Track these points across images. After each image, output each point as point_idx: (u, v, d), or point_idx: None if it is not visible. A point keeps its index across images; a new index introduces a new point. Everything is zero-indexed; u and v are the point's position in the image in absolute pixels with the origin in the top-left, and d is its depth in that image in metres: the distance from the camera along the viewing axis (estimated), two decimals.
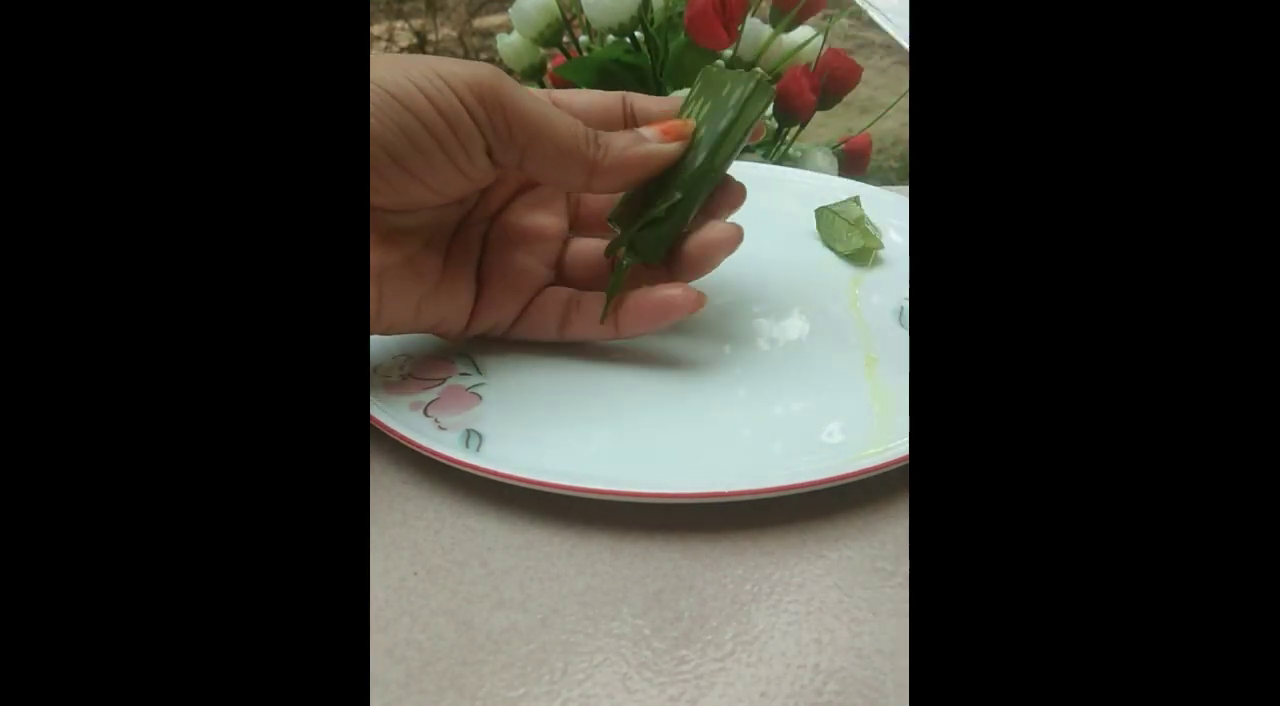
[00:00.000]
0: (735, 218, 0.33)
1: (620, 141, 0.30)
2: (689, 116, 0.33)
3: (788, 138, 0.61)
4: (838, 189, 0.44)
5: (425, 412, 0.30)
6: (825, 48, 0.61)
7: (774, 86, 0.33)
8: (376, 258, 0.29)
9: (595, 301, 0.33)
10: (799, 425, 0.30)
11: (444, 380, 0.32)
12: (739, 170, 0.33)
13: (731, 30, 0.55)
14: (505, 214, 0.34)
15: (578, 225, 0.35)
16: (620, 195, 0.33)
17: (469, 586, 0.25)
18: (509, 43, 0.63)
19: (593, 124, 0.31)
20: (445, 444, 0.28)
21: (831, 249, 0.41)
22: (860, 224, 0.40)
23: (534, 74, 0.64)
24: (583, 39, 0.63)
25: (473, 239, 0.33)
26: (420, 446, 0.28)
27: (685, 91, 0.34)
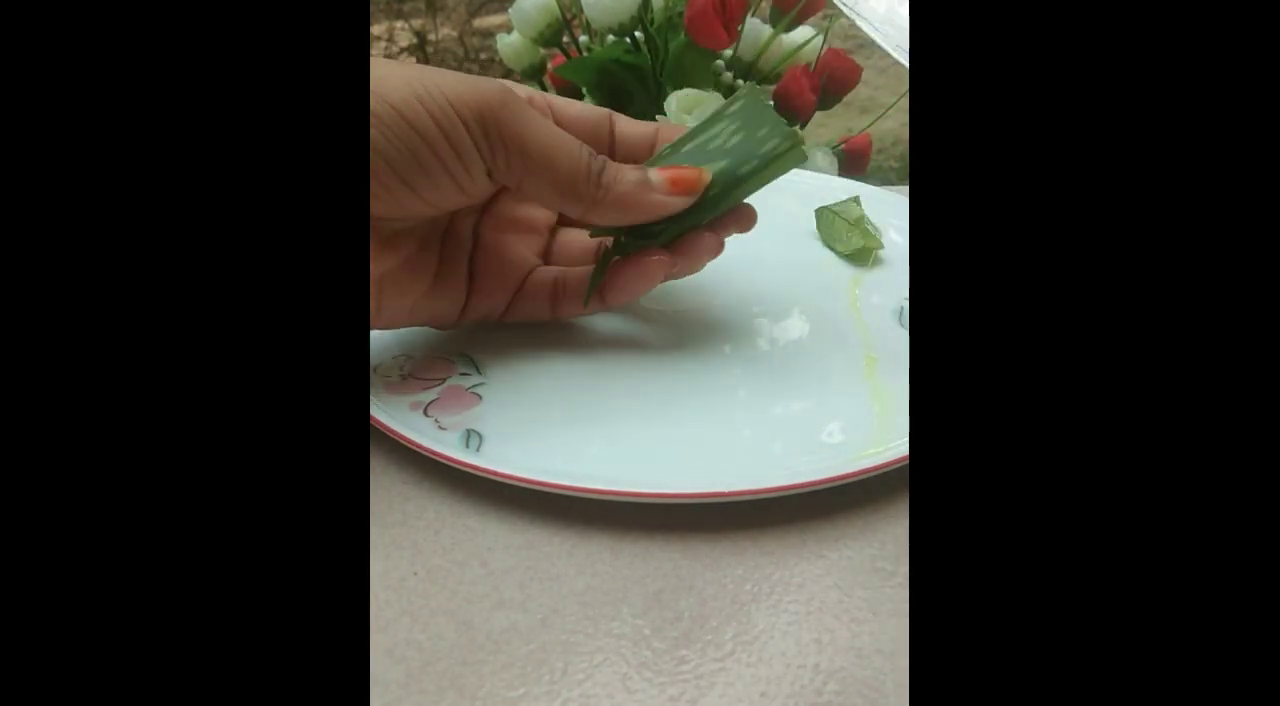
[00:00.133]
0: None
1: (623, 184, 0.30)
2: (718, 129, 0.32)
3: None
4: (838, 189, 0.44)
5: (425, 412, 0.30)
6: (825, 48, 0.61)
7: (805, 155, 0.32)
8: (375, 263, 0.29)
9: (581, 278, 0.33)
10: (799, 425, 0.30)
11: (444, 380, 0.32)
12: None
13: (731, 30, 0.55)
14: (495, 206, 0.34)
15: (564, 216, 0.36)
16: None
17: (469, 586, 0.25)
18: (509, 43, 0.63)
19: (579, 137, 0.30)
20: (445, 444, 0.28)
21: (831, 249, 0.41)
22: (860, 224, 0.40)
23: (534, 74, 0.64)
24: (583, 39, 0.63)
25: (464, 233, 0.33)
26: (420, 446, 0.28)
27: (666, 119, 0.33)
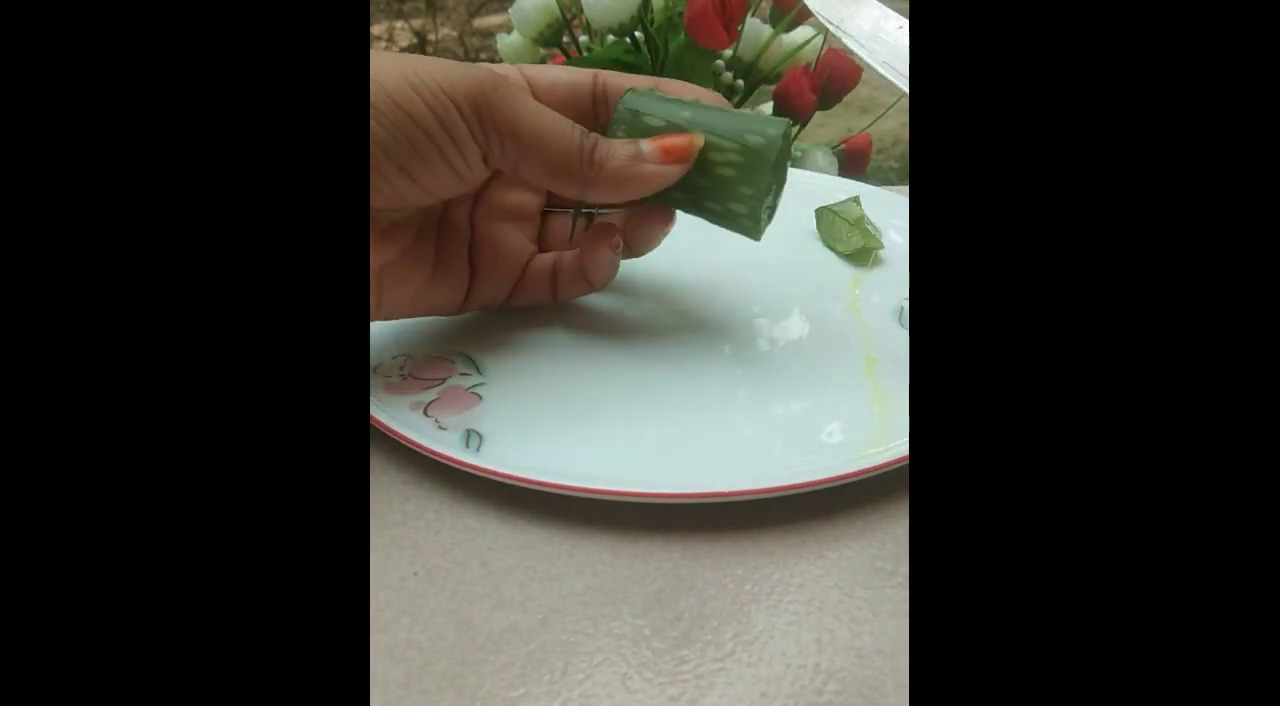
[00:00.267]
0: None
1: (616, 160, 0.30)
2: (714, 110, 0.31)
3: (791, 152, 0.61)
4: (838, 189, 0.44)
5: (425, 413, 0.30)
6: (825, 48, 0.61)
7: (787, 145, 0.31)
8: (375, 254, 0.29)
9: (576, 260, 0.34)
10: (799, 425, 0.30)
11: (444, 380, 0.32)
12: None
13: (731, 30, 0.55)
14: (486, 195, 0.34)
15: (552, 198, 0.36)
16: None
17: (469, 586, 0.25)
18: (509, 43, 0.63)
19: (557, 100, 0.30)
20: (445, 444, 0.28)
21: (831, 249, 0.41)
22: (860, 224, 0.40)
23: None
24: (583, 39, 0.63)
25: (459, 222, 0.33)
26: (420, 446, 0.28)
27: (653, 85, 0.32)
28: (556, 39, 0.62)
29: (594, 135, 0.30)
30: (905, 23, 0.32)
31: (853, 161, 0.65)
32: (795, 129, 0.60)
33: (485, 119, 0.28)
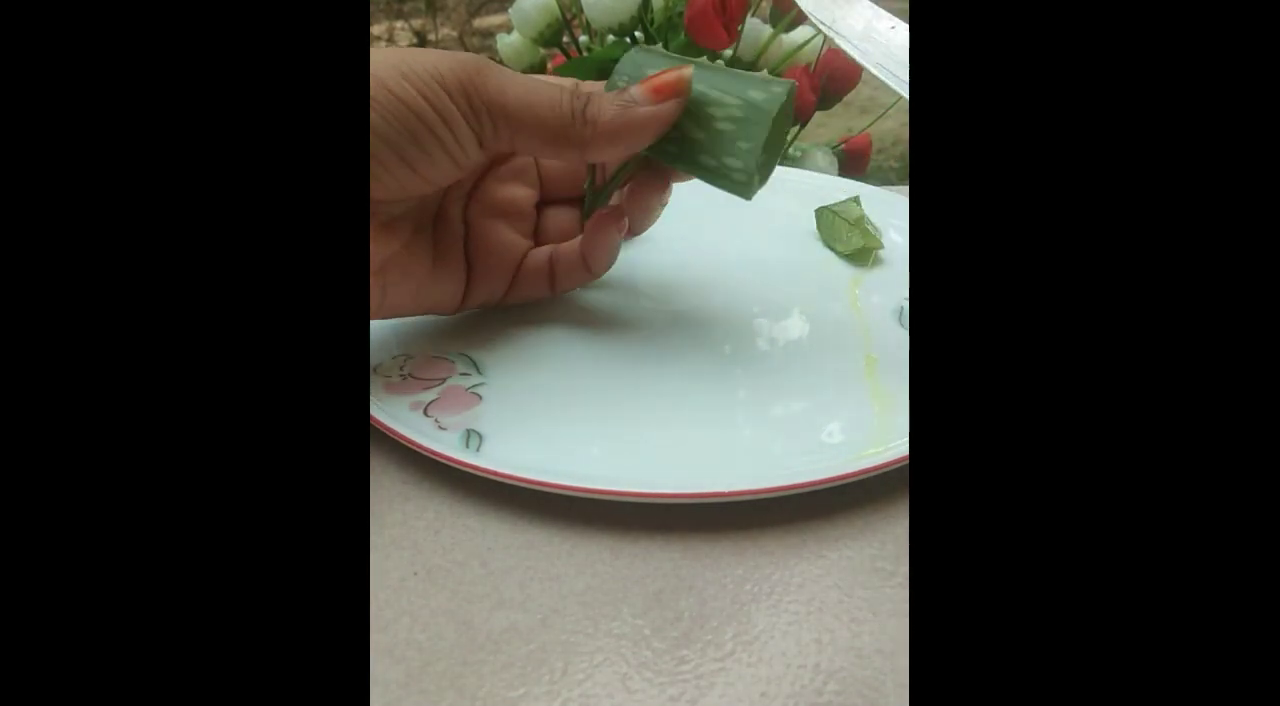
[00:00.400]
0: (736, 219, 0.33)
1: (607, 112, 0.29)
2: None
3: (788, 137, 0.61)
4: (838, 189, 0.44)
5: (425, 413, 0.30)
6: (825, 48, 0.61)
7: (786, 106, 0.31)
8: (377, 249, 0.29)
9: (572, 252, 0.34)
10: (799, 425, 0.30)
11: (444, 380, 0.32)
12: None
13: (731, 30, 0.55)
14: (480, 190, 0.34)
15: (546, 192, 0.36)
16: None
17: (469, 586, 0.25)
18: (509, 43, 0.63)
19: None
20: (445, 444, 0.28)
21: (831, 249, 0.41)
22: (860, 224, 0.40)
23: (534, 73, 0.64)
24: (583, 39, 0.63)
25: (454, 217, 0.33)
26: (420, 446, 0.28)
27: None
28: (556, 39, 0.62)
29: (583, 94, 0.29)
30: (898, 23, 0.32)
31: (853, 161, 0.65)
32: (795, 129, 0.60)
33: (474, 100, 0.28)
